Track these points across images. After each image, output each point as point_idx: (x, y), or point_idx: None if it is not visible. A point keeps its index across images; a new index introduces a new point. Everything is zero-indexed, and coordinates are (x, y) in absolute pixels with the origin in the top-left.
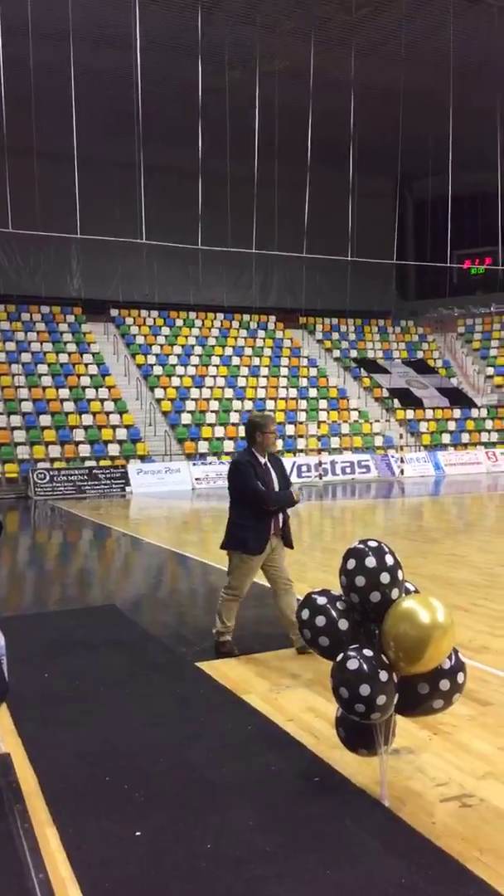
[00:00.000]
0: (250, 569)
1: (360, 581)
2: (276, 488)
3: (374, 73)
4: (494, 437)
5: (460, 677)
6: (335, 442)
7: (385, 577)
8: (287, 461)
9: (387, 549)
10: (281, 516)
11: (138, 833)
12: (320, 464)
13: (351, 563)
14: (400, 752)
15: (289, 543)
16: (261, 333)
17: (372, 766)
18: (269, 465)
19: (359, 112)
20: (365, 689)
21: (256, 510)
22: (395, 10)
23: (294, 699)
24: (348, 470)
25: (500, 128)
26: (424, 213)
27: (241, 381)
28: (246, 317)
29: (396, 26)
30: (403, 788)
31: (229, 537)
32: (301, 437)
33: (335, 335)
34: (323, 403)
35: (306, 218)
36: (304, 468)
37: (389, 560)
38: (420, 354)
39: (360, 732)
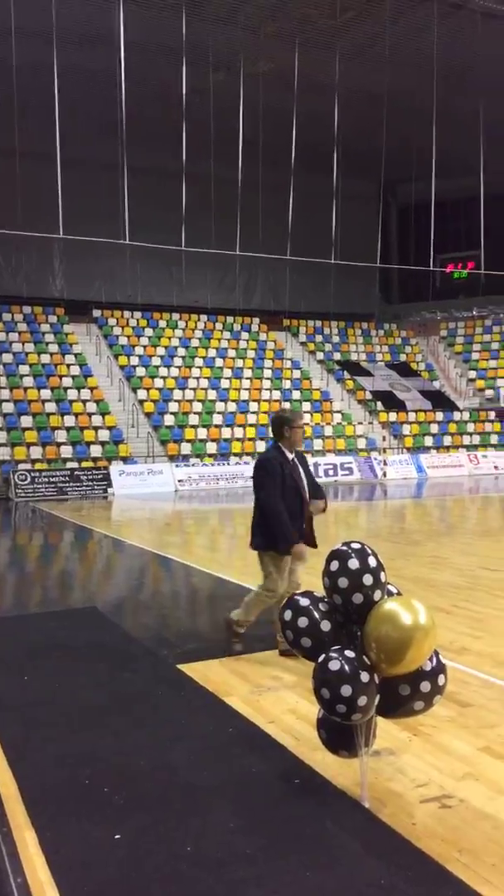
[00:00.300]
0: (283, 568)
1: (343, 583)
2: (305, 487)
3: (358, 76)
4: (476, 439)
5: (441, 679)
6: (318, 444)
7: (368, 579)
8: None
9: (370, 551)
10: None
11: (118, 836)
12: None
13: (334, 565)
14: (380, 753)
15: (311, 543)
16: (244, 335)
17: (352, 768)
18: (296, 461)
19: (343, 115)
20: (346, 691)
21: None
22: (380, 14)
23: (275, 701)
24: (331, 472)
25: (483, 132)
26: (408, 217)
27: (225, 383)
28: (229, 318)
29: (380, 30)
30: (384, 790)
31: (260, 537)
32: None
33: (318, 337)
34: (306, 405)
35: (290, 220)
36: None
37: (372, 562)
38: (403, 357)
39: (341, 734)
